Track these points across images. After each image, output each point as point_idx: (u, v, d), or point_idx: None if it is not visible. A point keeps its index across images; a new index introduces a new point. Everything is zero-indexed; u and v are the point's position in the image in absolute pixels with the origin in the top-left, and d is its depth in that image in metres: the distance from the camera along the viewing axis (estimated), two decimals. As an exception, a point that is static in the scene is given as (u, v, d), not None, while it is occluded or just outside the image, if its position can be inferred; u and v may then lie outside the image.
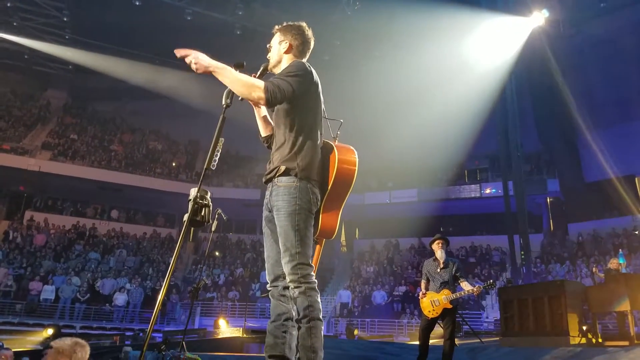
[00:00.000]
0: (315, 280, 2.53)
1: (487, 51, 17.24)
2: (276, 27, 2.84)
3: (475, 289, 6.26)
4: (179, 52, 2.51)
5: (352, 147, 2.81)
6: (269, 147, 2.84)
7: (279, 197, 2.58)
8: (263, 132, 2.88)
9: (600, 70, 18.97)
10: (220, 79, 2.46)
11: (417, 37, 17.06)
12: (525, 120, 19.43)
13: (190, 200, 2.56)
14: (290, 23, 2.82)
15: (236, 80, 2.45)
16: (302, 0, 16.61)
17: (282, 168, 2.59)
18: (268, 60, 2.80)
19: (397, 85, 18.67)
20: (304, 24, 2.83)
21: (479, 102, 17.33)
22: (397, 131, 19.52)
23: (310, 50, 2.84)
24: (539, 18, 16.49)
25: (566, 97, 19.91)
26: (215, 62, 2.46)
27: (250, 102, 2.67)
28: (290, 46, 2.76)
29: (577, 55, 18.99)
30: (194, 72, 2.51)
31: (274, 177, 2.63)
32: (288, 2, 17.28)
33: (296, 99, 2.58)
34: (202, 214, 2.60)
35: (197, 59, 2.45)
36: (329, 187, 2.69)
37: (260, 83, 2.46)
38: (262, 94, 2.43)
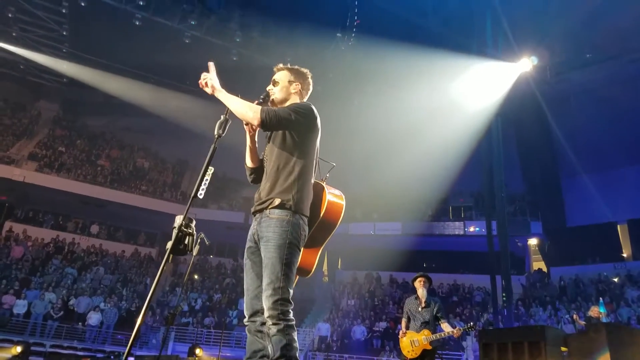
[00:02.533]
0: (294, 319, 2.51)
1: (475, 93, 17.69)
2: (282, 65, 2.94)
3: (455, 331, 6.24)
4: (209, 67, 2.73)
5: (341, 193, 2.87)
6: (253, 180, 2.90)
7: (270, 228, 2.57)
8: (250, 163, 2.90)
9: (585, 117, 19.50)
10: (222, 98, 2.64)
11: (408, 76, 17.47)
12: (510, 161, 19.79)
13: (175, 227, 2.56)
14: (299, 68, 2.95)
15: (236, 101, 2.63)
16: (298, 32, 17.01)
17: (277, 201, 2.60)
18: (267, 92, 2.86)
19: (387, 121, 18.99)
20: (309, 72, 2.99)
21: (466, 142, 17.68)
22: (385, 164, 19.75)
23: (309, 95, 3.00)
24: (526, 64, 17.03)
25: (551, 141, 20.43)
26: (220, 87, 2.68)
27: (245, 128, 2.78)
28: (300, 90, 2.90)
29: (562, 101, 19.55)
30: (200, 87, 2.70)
31: (266, 208, 2.63)
32: (285, 34, 17.65)
33: (296, 134, 2.67)
34: (186, 242, 2.61)
35: (212, 79, 2.65)
36: (315, 226, 2.72)
37: (258, 107, 2.60)
38: (257, 115, 2.55)
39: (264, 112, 2.56)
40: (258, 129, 2.76)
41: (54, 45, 20.88)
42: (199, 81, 2.67)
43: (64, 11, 18.54)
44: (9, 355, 12.20)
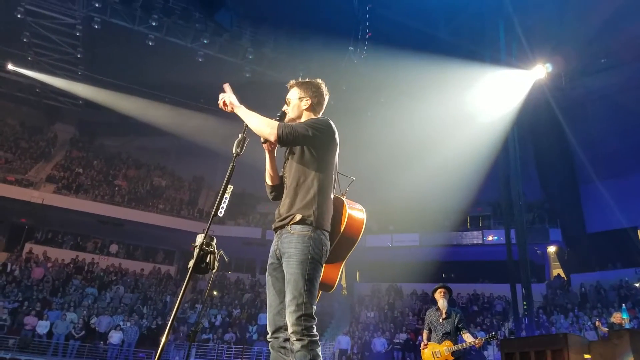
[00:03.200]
0: (317, 334, 2.51)
1: (490, 102, 17.60)
2: (293, 81, 2.94)
3: (477, 341, 6.18)
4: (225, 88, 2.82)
5: (362, 207, 2.87)
6: (274, 198, 2.91)
7: (292, 244, 2.58)
8: (270, 181, 2.91)
9: (602, 122, 19.27)
10: (240, 114, 2.70)
11: (422, 86, 17.48)
12: (527, 169, 19.60)
13: (196, 246, 2.59)
14: (308, 80, 2.93)
15: (255, 117, 2.66)
16: (310, 47, 17.15)
17: (298, 217, 2.60)
18: (283, 112, 2.87)
19: (402, 132, 18.97)
20: (320, 81, 2.95)
21: (482, 151, 17.54)
22: (400, 175, 19.67)
23: (325, 105, 2.97)
24: (541, 71, 16.92)
25: (568, 148, 20.18)
26: (239, 104, 2.75)
27: (264, 147, 2.80)
28: (311, 104, 2.87)
29: (579, 107, 19.36)
30: (219, 108, 2.77)
31: (287, 224, 2.64)
32: (297, 48, 17.82)
33: (314, 149, 2.68)
34: (207, 261, 2.63)
35: (229, 97, 2.73)
36: (336, 241, 2.72)
37: (275, 123, 2.62)
38: (274, 131, 2.58)
39: (281, 128, 2.58)
40: (276, 146, 2.77)
41: (69, 68, 21.33)
42: (218, 102, 2.73)
43: (77, 34, 18.92)
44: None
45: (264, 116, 2.70)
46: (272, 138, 2.60)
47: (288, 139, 2.60)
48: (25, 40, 19.32)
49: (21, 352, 15.13)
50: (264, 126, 2.61)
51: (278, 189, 2.88)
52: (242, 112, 2.69)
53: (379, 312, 20.07)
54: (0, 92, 23.25)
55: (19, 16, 17.58)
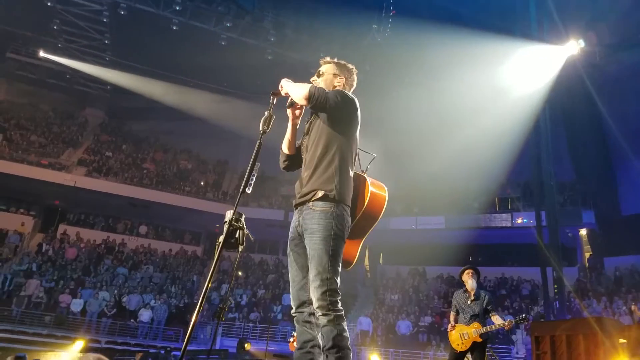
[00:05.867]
0: (342, 309, 2.51)
1: (521, 79, 17.04)
2: (329, 58, 2.98)
3: (506, 323, 6.09)
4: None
5: (383, 184, 2.84)
6: (286, 167, 2.94)
7: (314, 220, 2.57)
8: (287, 149, 2.92)
9: (637, 99, 18.48)
10: (284, 85, 2.78)
11: (448, 64, 17.05)
12: (559, 149, 18.98)
13: (226, 222, 2.58)
14: (346, 63, 2.98)
15: (291, 84, 2.75)
16: (332, 26, 16.89)
17: (320, 193, 2.59)
18: (310, 81, 2.89)
19: (428, 112, 18.61)
20: (354, 68, 3.03)
21: (512, 130, 17.05)
22: (426, 157, 19.35)
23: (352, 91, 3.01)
24: (574, 47, 16.26)
25: (602, 126, 19.46)
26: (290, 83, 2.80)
27: (289, 113, 2.86)
28: (344, 84, 2.92)
29: (613, 83, 18.58)
30: (280, 93, 2.81)
31: (309, 200, 2.62)
32: (319, 29, 17.61)
33: (337, 123, 2.68)
34: (237, 236, 2.63)
35: (283, 84, 2.80)
36: (357, 217, 2.70)
37: (308, 85, 2.69)
38: (307, 89, 2.63)
39: (314, 88, 2.64)
40: (302, 113, 2.82)
41: (97, 54, 21.74)
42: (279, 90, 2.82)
43: (105, 20, 19.23)
44: (68, 351, 12.80)
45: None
46: (304, 95, 2.63)
47: (319, 99, 2.61)
48: (55, 27, 19.74)
49: (57, 328, 15.75)
50: (297, 88, 2.69)
51: (292, 159, 2.92)
52: (284, 83, 2.77)
53: (403, 294, 20.04)
54: (33, 78, 23.88)
55: (48, 4, 17.92)
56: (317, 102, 2.61)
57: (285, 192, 24.93)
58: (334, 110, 2.64)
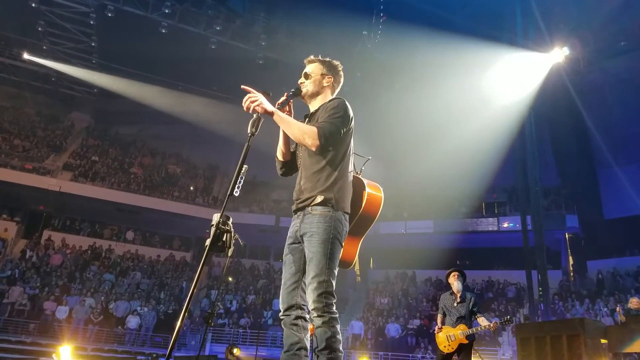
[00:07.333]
0: (337, 311, 2.54)
1: (506, 86, 17.31)
2: (313, 57, 2.94)
3: (492, 325, 6.17)
4: (246, 89, 2.63)
5: (379, 185, 2.90)
6: (283, 173, 2.93)
7: (314, 224, 2.60)
8: (281, 156, 2.90)
9: (620, 107, 18.86)
10: (278, 121, 2.62)
11: (437, 70, 17.24)
12: (544, 154, 19.31)
13: (213, 225, 2.59)
14: (331, 60, 2.93)
15: (294, 125, 2.62)
16: (324, 32, 16.98)
17: (319, 198, 2.62)
18: (299, 85, 2.86)
19: (416, 117, 18.78)
20: (340, 64, 2.96)
21: (498, 136, 17.30)
22: (414, 162, 19.51)
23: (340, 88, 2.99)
24: (558, 54, 16.57)
25: (586, 133, 19.81)
26: (274, 108, 2.61)
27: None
28: (332, 83, 2.89)
29: (597, 91, 18.95)
30: (245, 109, 2.58)
31: (308, 205, 2.65)
32: (310, 34, 17.67)
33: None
34: (224, 239, 2.63)
35: (261, 102, 2.54)
36: (356, 219, 2.75)
37: (314, 130, 2.57)
38: (317, 141, 2.55)
39: (322, 137, 2.55)
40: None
41: (83, 57, 21.50)
42: (243, 104, 2.55)
43: (91, 23, 19.01)
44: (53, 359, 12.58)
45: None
46: (314, 147, 2.58)
47: (327, 143, 2.59)
48: (40, 29, 19.45)
49: (42, 336, 15.51)
50: (304, 136, 2.57)
51: (288, 165, 2.91)
52: (278, 118, 2.60)
53: (393, 298, 20.13)
54: (16, 81, 23.55)
55: (33, 5, 17.70)
56: (326, 147, 2.62)
57: (277, 197, 24.90)
58: (343, 134, 2.67)
